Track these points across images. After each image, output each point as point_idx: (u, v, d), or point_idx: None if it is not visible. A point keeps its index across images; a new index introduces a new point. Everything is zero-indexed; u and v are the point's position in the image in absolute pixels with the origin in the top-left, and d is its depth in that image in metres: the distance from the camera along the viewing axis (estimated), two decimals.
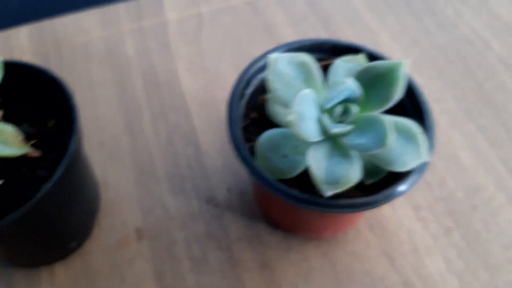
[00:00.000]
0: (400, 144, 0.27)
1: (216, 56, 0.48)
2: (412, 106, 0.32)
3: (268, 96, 0.33)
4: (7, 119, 0.33)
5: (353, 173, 0.26)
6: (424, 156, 0.28)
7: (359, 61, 0.32)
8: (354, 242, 0.38)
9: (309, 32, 0.50)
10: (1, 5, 0.57)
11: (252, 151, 0.31)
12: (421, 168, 0.29)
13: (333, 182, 0.26)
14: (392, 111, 0.29)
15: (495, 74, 0.47)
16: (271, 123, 0.33)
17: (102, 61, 0.48)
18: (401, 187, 0.28)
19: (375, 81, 0.27)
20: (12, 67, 0.33)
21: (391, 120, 0.27)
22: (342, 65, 0.31)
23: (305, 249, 0.38)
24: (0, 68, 0.25)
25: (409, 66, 0.27)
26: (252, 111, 0.34)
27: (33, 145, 0.32)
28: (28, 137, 0.32)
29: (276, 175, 0.29)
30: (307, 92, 0.26)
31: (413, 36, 0.50)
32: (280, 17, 0.51)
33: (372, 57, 0.33)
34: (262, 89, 0.34)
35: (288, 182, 0.30)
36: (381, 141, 0.25)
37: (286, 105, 0.28)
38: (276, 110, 0.32)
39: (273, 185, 0.28)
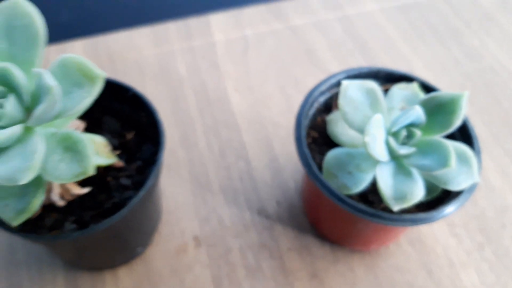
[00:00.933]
0: (457, 166, 0.31)
1: (261, 76, 0.52)
2: (459, 132, 0.35)
3: (329, 117, 0.37)
4: (90, 130, 0.36)
5: (417, 191, 0.30)
6: (476, 177, 0.31)
7: (413, 89, 0.36)
8: (395, 255, 0.41)
9: (347, 57, 0.54)
10: (53, 17, 0.60)
11: (318, 167, 0.34)
12: (471, 188, 0.32)
13: (400, 198, 0.29)
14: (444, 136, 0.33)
15: None
16: (330, 142, 0.36)
17: (155, 77, 0.51)
18: (454, 205, 0.31)
19: (437, 109, 0.31)
20: None
21: (451, 143, 0.30)
22: (398, 92, 0.35)
23: (351, 261, 0.41)
24: (101, 84, 0.28)
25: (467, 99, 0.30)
26: (313, 130, 0.37)
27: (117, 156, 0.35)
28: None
29: (342, 190, 0.33)
30: (379, 117, 0.30)
31: (443, 65, 0.54)
32: (320, 42, 0.55)
33: (423, 86, 0.36)
34: (321, 111, 0.38)
35: (350, 197, 0.33)
36: (445, 161, 0.28)
37: (354, 127, 0.32)
38: (337, 130, 0.35)
39: (344, 200, 0.31)
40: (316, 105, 0.37)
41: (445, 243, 0.42)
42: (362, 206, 0.31)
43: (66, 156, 0.28)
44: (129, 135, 0.36)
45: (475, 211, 0.43)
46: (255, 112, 0.49)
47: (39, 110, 0.25)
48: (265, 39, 0.55)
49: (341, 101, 0.32)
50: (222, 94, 0.50)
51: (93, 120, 0.37)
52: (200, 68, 0.52)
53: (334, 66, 0.53)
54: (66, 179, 0.28)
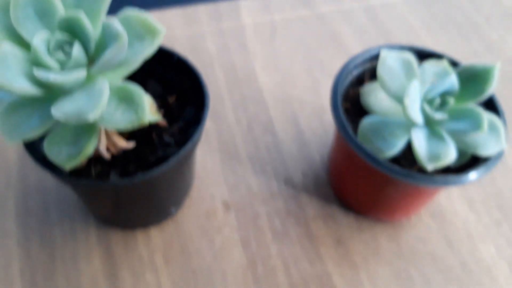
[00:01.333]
0: (486, 132, 0.33)
1: (288, 58, 0.54)
2: (486, 106, 0.37)
3: (363, 89, 0.39)
4: None
5: (450, 151, 0.31)
6: (503, 144, 0.33)
7: (442, 65, 0.38)
8: (417, 227, 0.43)
9: (371, 44, 0.56)
10: None
11: None
12: (498, 155, 0.34)
13: (434, 158, 0.31)
14: None
15: None
16: (363, 113, 0.38)
17: (186, 55, 0.53)
18: (482, 170, 0.33)
19: (470, 79, 0.33)
20: None
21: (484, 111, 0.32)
22: (429, 67, 0.37)
23: (374, 230, 0.42)
24: (161, 38, 0.29)
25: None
26: (345, 101, 0.39)
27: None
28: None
29: (375, 154, 0.34)
30: (416, 83, 0.32)
31: (464, 56, 0.56)
32: (344, 28, 0.57)
33: (452, 62, 0.38)
34: (354, 83, 0.40)
35: None
36: (478, 125, 0.30)
37: (391, 93, 0.34)
38: (371, 100, 0.37)
39: (379, 162, 0.33)
40: (350, 78, 0.39)
41: (465, 218, 0.44)
42: (396, 167, 0.32)
43: (122, 105, 0.30)
44: (171, 99, 0.38)
45: (493, 189, 0.45)
46: (282, 90, 0.51)
47: (106, 55, 0.27)
48: (292, 25, 0.57)
49: (380, 69, 0.34)
50: (250, 72, 0.52)
51: (137, 83, 0.38)
52: (229, 48, 0.54)
53: (359, 51, 0.55)
54: (122, 126, 0.29)
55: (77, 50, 0.28)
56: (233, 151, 0.46)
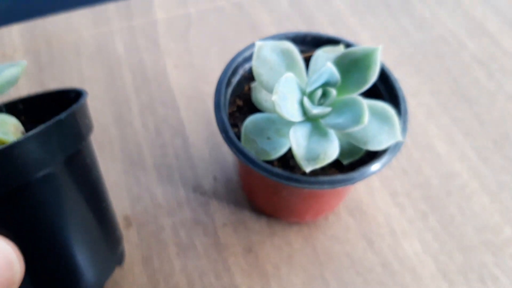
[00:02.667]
0: (376, 124, 0.29)
1: (203, 53, 0.50)
2: (387, 93, 0.34)
3: (253, 84, 0.35)
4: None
5: (331, 150, 0.28)
6: (398, 136, 0.30)
7: (338, 51, 0.34)
8: (334, 226, 0.40)
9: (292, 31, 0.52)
10: None
11: (238, 135, 0.32)
12: (395, 148, 0.31)
13: (313, 159, 0.28)
14: (369, 96, 0.31)
15: (469, 71, 0.49)
16: (256, 110, 0.35)
17: (92, 58, 0.49)
18: (376, 165, 0.30)
19: (352, 66, 0.29)
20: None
21: (366, 101, 0.28)
22: (323, 55, 0.34)
23: (288, 234, 0.39)
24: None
25: (381, 52, 0.29)
26: (238, 98, 0.35)
27: None
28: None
29: (261, 156, 0.31)
30: (290, 75, 0.28)
31: (392, 36, 0.52)
32: (265, 17, 0.53)
33: (351, 47, 0.35)
34: (248, 78, 0.36)
35: (271, 164, 0.31)
36: (358, 119, 0.27)
37: (270, 89, 0.30)
38: (260, 97, 0.34)
39: (258, 164, 0.29)
40: (242, 72, 0.36)
41: (387, 213, 0.40)
42: (277, 169, 0.29)
43: None
44: None
45: (419, 179, 0.42)
46: (195, 88, 0.48)
47: None
48: (209, 16, 0.53)
49: (255, 62, 0.30)
50: (161, 71, 0.49)
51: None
52: (139, 47, 0.50)
53: None
54: None
55: None
56: (137, 159, 0.43)
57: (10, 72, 0.28)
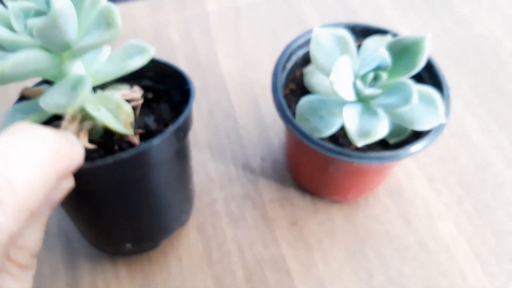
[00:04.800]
0: (422, 106, 0.32)
1: (252, 43, 0.54)
2: (431, 80, 0.37)
3: (306, 69, 0.38)
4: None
5: (381, 128, 0.31)
6: (441, 118, 0.32)
7: (386, 41, 0.37)
8: (374, 206, 0.42)
9: None
10: None
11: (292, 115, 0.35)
12: (438, 129, 0.33)
13: (364, 135, 0.31)
14: (415, 82, 0.34)
15: (507, 67, 0.51)
16: (307, 94, 0.38)
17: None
18: (420, 144, 0.33)
19: (402, 51, 0.32)
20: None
21: (415, 84, 0.31)
22: (372, 43, 0.36)
23: (330, 211, 0.42)
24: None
25: (430, 40, 0.32)
26: (291, 82, 0.39)
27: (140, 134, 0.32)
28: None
29: (313, 133, 0.34)
30: (345, 58, 0.31)
31: (432, 32, 0.54)
32: (311, 10, 0.56)
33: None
34: (299, 65, 0.39)
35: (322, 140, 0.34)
36: (407, 99, 0.30)
37: (325, 72, 0.33)
38: (312, 81, 0.37)
39: (313, 140, 0.33)
40: (295, 59, 0.39)
41: (424, 196, 0.43)
42: (330, 145, 0.32)
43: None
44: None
45: (455, 166, 0.44)
46: (244, 75, 0.51)
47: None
48: (257, 9, 0.57)
49: (312, 46, 0.33)
50: (213, 59, 0.52)
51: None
52: (192, 36, 0.54)
53: None
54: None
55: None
56: (192, 138, 0.46)
57: (135, 63, 0.30)
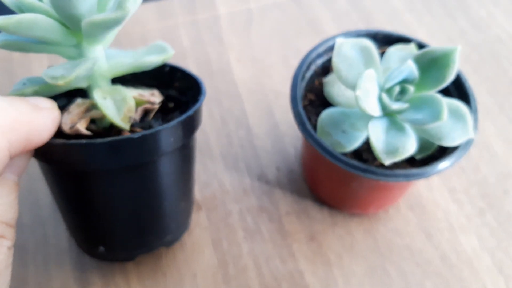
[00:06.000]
0: (451, 121, 0.31)
1: (264, 48, 0.52)
2: (457, 91, 0.35)
3: (326, 79, 0.37)
4: None
5: (409, 145, 0.30)
6: (470, 133, 0.31)
7: (410, 50, 0.35)
8: (394, 219, 0.41)
9: (351, 28, 0.53)
10: None
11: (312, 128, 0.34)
12: (466, 145, 0.32)
13: (391, 152, 0.30)
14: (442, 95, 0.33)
15: None
16: (327, 104, 0.36)
17: None
18: (448, 161, 0.31)
19: (430, 64, 0.31)
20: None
21: (446, 100, 0.30)
22: (395, 52, 0.35)
23: (349, 224, 0.41)
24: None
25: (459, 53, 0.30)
26: (310, 92, 0.37)
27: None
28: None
29: (335, 148, 0.33)
30: (371, 72, 0.30)
31: (449, 35, 0.53)
32: (323, 13, 0.55)
33: (421, 46, 0.36)
34: (318, 74, 0.38)
35: (344, 155, 0.33)
36: (438, 115, 0.28)
37: (348, 85, 0.32)
38: (333, 91, 0.36)
39: (336, 156, 0.31)
40: (314, 68, 0.38)
41: (446, 208, 0.42)
42: (354, 161, 0.31)
43: None
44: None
45: (476, 177, 0.43)
46: (257, 82, 0.49)
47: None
48: (269, 12, 0.55)
49: (335, 58, 0.32)
50: (225, 65, 0.51)
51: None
52: (203, 40, 0.53)
53: None
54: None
55: None
56: (205, 148, 0.45)
57: (152, 59, 0.30)
